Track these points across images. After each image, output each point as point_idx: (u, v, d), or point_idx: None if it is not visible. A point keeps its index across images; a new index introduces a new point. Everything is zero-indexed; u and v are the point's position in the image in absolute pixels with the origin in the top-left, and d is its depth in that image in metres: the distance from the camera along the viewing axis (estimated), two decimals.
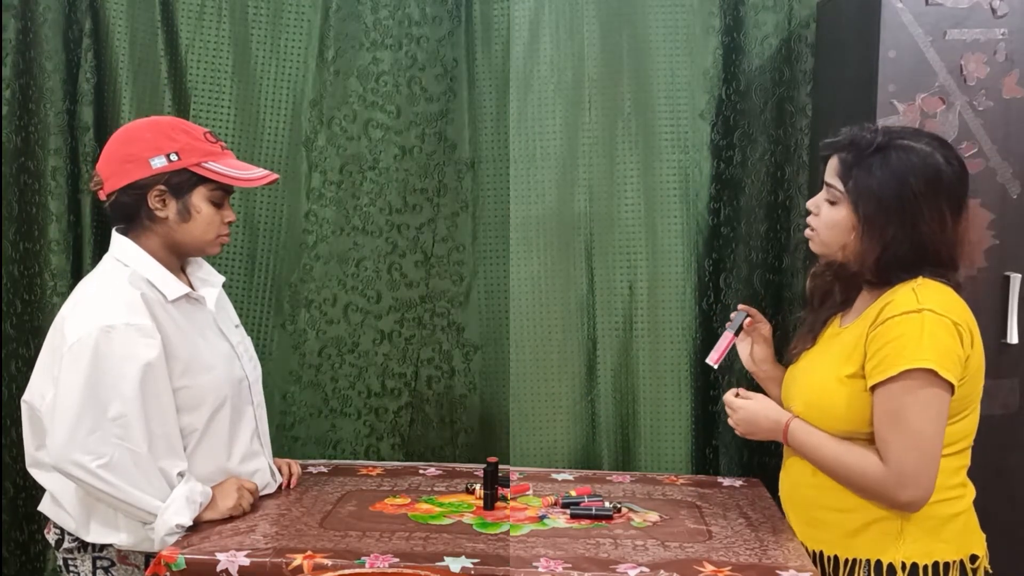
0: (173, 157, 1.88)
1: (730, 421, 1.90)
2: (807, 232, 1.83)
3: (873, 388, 1.68)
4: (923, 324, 1.64)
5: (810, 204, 1.82)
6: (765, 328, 2.06)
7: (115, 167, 1.89)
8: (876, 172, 1.70)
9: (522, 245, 2.64)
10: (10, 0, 2.61)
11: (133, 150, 1.89)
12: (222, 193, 1.95)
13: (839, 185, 1.75)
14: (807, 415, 1.79)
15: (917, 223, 1.69)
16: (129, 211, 1.91)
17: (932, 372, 1.63)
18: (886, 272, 1.73)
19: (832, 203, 1.77)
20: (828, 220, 1.77)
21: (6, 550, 2.72)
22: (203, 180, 1.91)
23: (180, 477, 1.83)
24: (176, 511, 1.80)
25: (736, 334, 2.03)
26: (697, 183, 2.63)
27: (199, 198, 1.92)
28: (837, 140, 1.78)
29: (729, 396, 1.91)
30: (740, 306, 2.05)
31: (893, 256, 1.70)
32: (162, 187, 1.88)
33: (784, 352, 2.05)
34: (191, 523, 1.82)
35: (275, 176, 2.00)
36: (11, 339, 2.69)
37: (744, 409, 1.87)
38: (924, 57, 2.12)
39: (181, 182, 1.89)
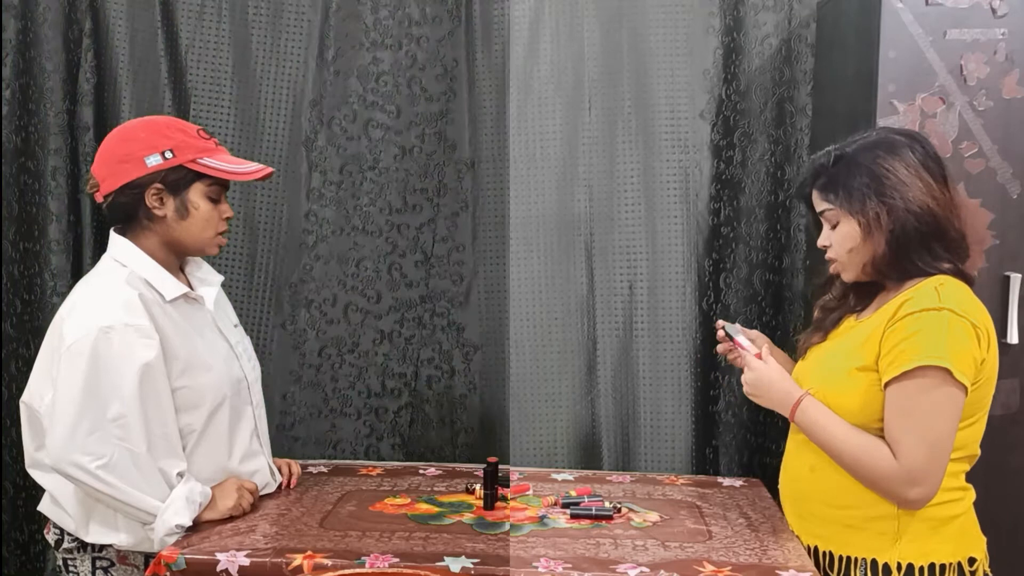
0: (168, 154, 1.88)
1: (744, 378, 1.86)
2: (832, 268, 1.84)
3: (887, 384, 1.68)
4: (942, 323, 1.64)
5: (820, 243, 1.84)
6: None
7: (111, 167, 1.89)
8: (849, 172, 1.75)
9: (522, 245, 2.64)
10: (10, 0, 2.61)
11: (128, 149, 1.89)
12: (219, 188, 1.95)
13: (828, 204, 1.78)
14: None
15: (906, 193, 1.70)
16: (127, 211, 1.91)
17: (947, 371, 1.63)
18: (903, 259, 1.73)
19: (835, 226, 1.79)
20: (839, 240, 1.78)
21: (6, 550, 2.72)
22: (199, 176, 1.91)
23: (179, 477, 1.83)
24: (176, 511, 1.80)
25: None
26: (697, 183, 2.63)
27: (196, 194, 1.92)
28: (803, 180, 1.85)
29: (751, 355, 1.88)
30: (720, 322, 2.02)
31: (902, 238, 1.71)
32: (159, 185, 1.88)
33: (786, 349, 2.04)
34: (191, 523, 1.82)
35: (270, 170, 2.00)
36: (11, 339, 2.69)
37: (761, 371, 1.84)
38: (924, 57, 2.12)
39: (178, 179, 1.89)
